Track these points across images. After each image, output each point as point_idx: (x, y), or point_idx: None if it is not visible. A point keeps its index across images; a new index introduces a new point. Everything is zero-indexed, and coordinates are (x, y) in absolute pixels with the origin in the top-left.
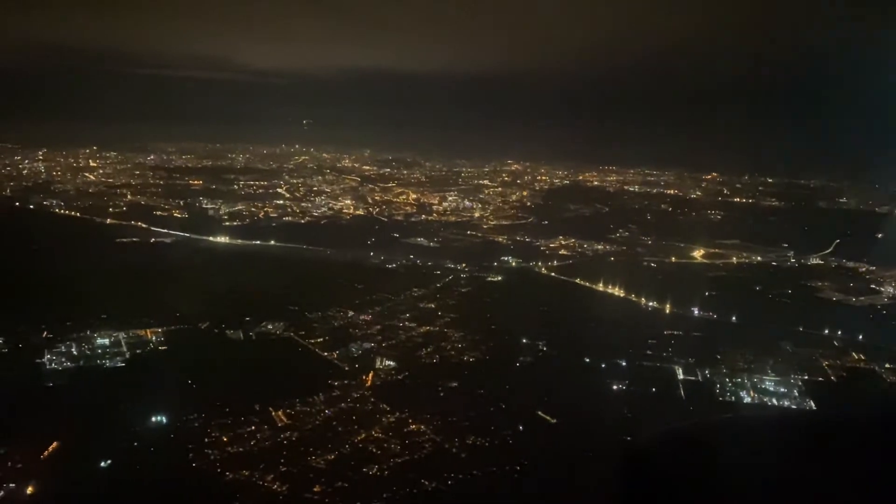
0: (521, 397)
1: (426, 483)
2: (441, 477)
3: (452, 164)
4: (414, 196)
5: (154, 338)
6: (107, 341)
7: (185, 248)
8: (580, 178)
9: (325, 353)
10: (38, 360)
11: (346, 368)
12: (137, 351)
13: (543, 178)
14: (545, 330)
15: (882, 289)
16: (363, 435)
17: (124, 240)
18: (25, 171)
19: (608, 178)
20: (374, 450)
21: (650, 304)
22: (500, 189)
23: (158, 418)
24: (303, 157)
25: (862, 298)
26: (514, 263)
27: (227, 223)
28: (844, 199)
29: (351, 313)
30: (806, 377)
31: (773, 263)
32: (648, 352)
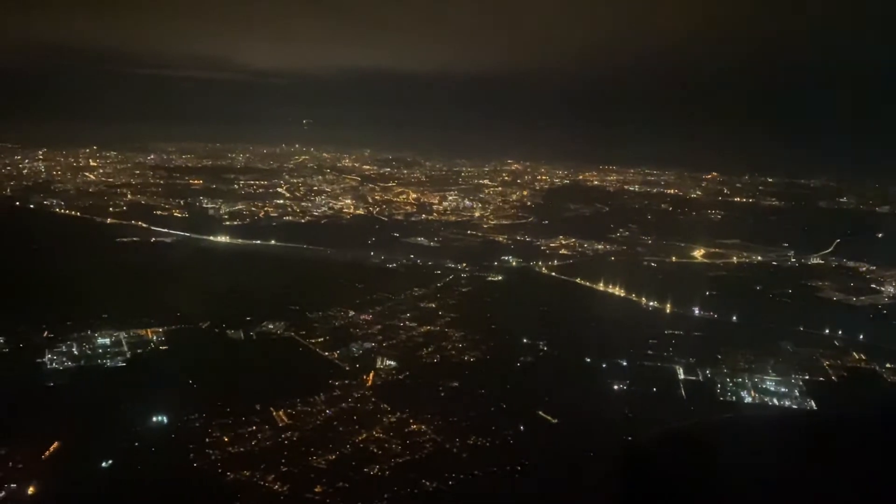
0: (522, 397)
1: (427, 483)
2: (442, 477)
3: (452, 164)
4: (414, 196)
5: (155, 337)
6: (107, 341)
7: (186, 247)
8: (580, 177)
9: (326, 353)
10: (38, 360)
11: (347, 368)
12: (138, 351)
13: (543, 177)
14: (546, 330)
15: (882, 288)
16: (364, 435)
17: (124, 239)
18: (26, 171)
19: (608, 178)
20: (375, 450)
21: (651, 303)
22: (500, 189)
23: (159, 418)
24: (303, 157)
25: (862, 298)
26: (514, 263)
27: (228, 223)
28: (845, 199)
29: (351, 313)
30: (807, 377)
31: (774, 263)
32: (649, 352)
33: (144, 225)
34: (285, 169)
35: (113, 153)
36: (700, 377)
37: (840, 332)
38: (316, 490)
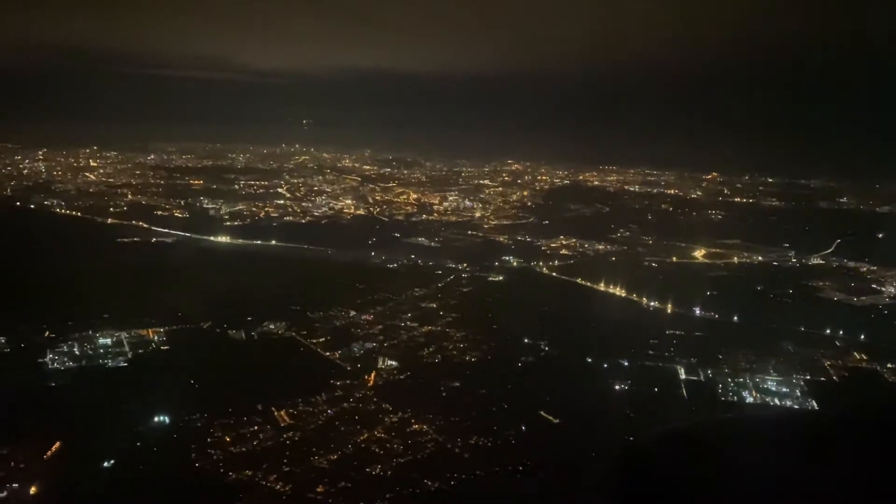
0: (524, 397)
1: (429, 483)
2: (444, 477)
3: (453, 164)
4: (415, 196)
5: (156, 337)
6: (109, 341)
7: (187, 247)
8: (580, 177)
9: (328, 353)
10: (40, 360)
11: (349, 368)
12: (139, 351)
13: (544, 177)
14: (547, 330)
15: (883, 288)
16: (366, 435)
17: (125, 239)
18: (26, 171)
19: (608, 178)
20: (377, 450)
21: (652, 303)
22: (500, 189)
23: (161, 418)
24: (303, 157)
25: (863, 298)
26: (515, 263)
27: (228, 223)
28: (845, 199)
29: (353, 313)
30: (808, 377)
31: (775, 263)
32: (650, 352)
33: (145, 225)
34: (286, 169)
35: (113, 153)
36: (701, 377)
37: (841, 333)
38: (318, 490)
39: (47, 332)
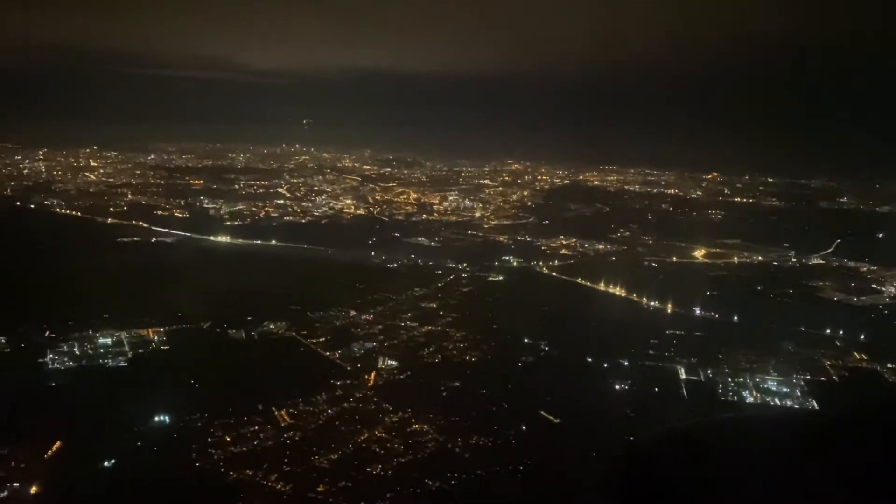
0: (524, 397)
1: (430, 483)
2: (444, 477)
3: (453, 164)
4: (415, 196)
5: (156, 337)
6: (109, 341)
7: (187, 247)
8: (581, 177)
9: (328, 353)
10: (40, 360)
11: (349, 368)
12: (140, 350)
13: (544, 177)
14: (547, 329)
15: (883, 288)
16: (366, 435)
17: (125, 239)
18: (26, 171)
19: (608, 178)
20: (378, 449)
21: (652, 303)
22: (500, 189)
23: (161, 418)
24: (303, 157)
25: (863, 298)
26: (515, 263)
27: (228, 223)
28: (845, 199)
29: (353, 313)
30: (808, 377)
31: (775, 263)
32: (650, 351)
33: (145, 225)
34: (286, 169)
35: (113, 153)
36: (702, 377)
37: (841, 332)
38: (318, 489)
39: (47, 332)
